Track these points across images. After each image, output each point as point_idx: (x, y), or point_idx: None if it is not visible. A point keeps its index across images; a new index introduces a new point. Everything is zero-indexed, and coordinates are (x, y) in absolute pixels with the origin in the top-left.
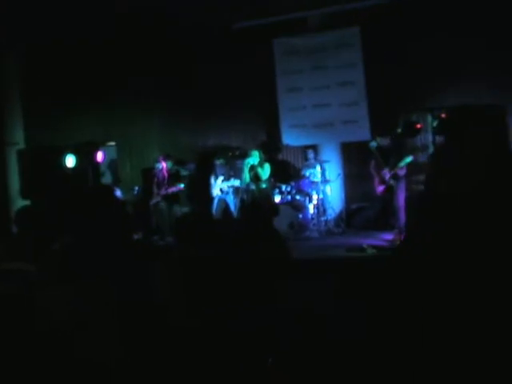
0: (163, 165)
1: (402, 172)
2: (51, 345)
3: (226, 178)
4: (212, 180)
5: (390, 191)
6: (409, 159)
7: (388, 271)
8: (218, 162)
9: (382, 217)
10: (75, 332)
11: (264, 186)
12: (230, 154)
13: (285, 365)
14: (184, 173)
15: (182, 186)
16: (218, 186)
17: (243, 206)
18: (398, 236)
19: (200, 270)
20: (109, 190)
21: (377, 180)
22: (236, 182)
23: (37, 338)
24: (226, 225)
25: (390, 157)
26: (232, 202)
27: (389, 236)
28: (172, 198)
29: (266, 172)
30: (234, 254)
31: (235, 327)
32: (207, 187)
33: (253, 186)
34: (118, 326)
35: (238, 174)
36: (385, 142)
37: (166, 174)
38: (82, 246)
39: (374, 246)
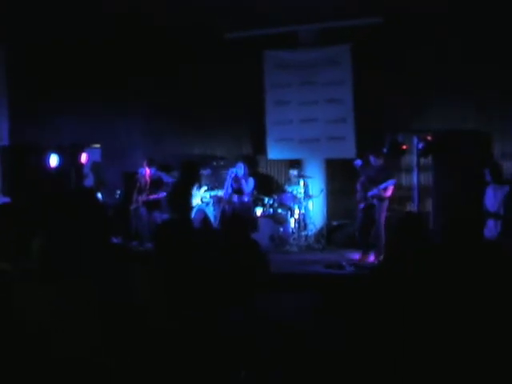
0: (146, 170)
1: (386, 193)
2: (31, 344)
3: (210, 188)
4: (195, 189)
5: (371, 209)
6: (391, 182)
7: (369, 289)
8: (205, 171)
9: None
10: (56, 331)
11: (246, 199)
12: (215, 163)
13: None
14: (167, 180)
15: (164, 194)
16: (200, 196)
17: (224, 216)
18: (377, 255)
19: (178, 277)
20: (91, 193)
21: (360, 196)
22: (220, 193)
23: (15, 337)
24: (206, 234)
25: (378, 176)
26: (212, 213)
27: (369, 256)
28: (153, 204)
29: (249, 186)
30: (214, 263)
31: (215, 333)
32: (189, 196)
33: (235, 198)
34: (100, 325)
35: (221, 185)
36: (378, 162)
37: (148, 180)
38: (62, 246)
39: (352, 264)
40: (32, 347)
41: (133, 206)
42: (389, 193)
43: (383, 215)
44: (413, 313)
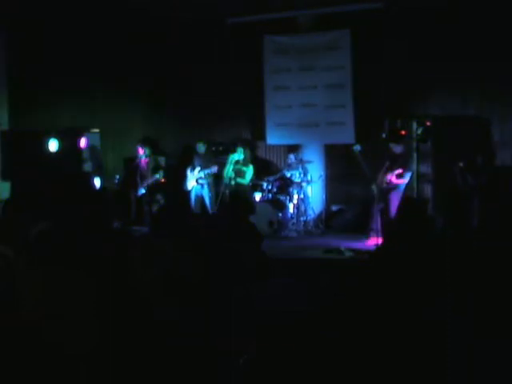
0: (140, 151)
1: (399, 181)
2: (26, 332)
3: (203, 168)
4: (188, 171)
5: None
6: (408, 175)
7: (367, 274)
8: (199, 145)
9: (362, 220)
10: (50, 319)
11: (244, 183)
12: (214, 148)
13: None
14: (163, 164)
15: (158, 176)
16: (195, 177)
17: (223, 201)
18: (375, 240)
19: (178, 264)
20: (87, 177)
21: (379, 180)
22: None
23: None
24: (203, 220)
25: (396, 163)
26: (207, 195)
27: (368, 240)
28: (154, 189)
29: (249, 171)
30: (211, 250)
31: (215, 324)
32: (186, 179)
33: (233, 182)
34: (96, 314)
35: (220, 169)
36: (398, 149)
37: (145, 166)
38: (59, 232)
39: (351, 249)
40: (29, 338)
41: (140, 193)
42: (401, 181)
43: (395, 204)
44: (411, 297)
